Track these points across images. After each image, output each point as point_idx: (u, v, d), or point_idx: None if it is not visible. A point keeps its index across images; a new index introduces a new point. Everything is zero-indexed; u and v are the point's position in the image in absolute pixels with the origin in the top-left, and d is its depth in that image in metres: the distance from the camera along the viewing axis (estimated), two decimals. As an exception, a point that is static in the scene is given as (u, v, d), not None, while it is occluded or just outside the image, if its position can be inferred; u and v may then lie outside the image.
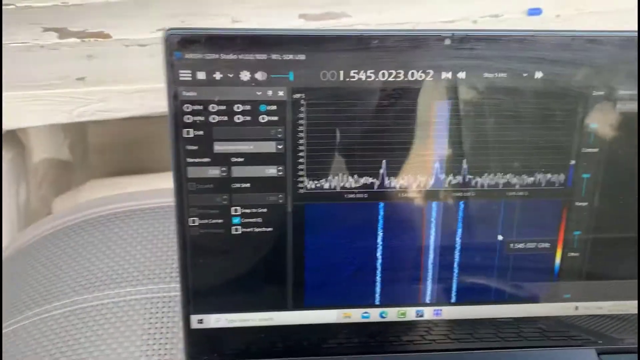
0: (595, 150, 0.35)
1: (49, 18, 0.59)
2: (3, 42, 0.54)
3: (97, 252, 0.46)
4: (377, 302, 0.37)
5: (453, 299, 0.38)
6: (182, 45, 0.31)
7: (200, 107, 0.32)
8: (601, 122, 0.35)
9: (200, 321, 0.36)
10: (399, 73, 0.33)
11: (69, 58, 0.54)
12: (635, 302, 0.39)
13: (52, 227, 0.52)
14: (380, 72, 0.33)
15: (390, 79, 0.33)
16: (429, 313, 0.38)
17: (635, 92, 0.34)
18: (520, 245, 0.37)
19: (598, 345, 0.39)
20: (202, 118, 0.32)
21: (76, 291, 0.43)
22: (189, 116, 0.32)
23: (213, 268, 0.35)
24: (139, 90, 0.50)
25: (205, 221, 0.34)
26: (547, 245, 0.37)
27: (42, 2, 0.63)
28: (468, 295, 0.38)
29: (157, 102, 0.50)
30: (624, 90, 0.34)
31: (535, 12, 0.58)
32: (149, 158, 1.08)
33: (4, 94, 0.53)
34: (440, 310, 0.38)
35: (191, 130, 0.33)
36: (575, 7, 0.61)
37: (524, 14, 0.59)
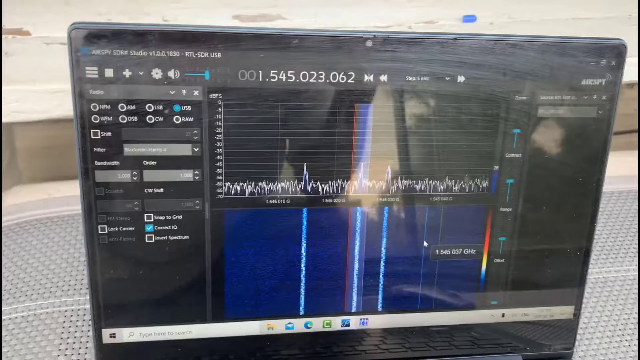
0: (519, 155, 0.35)
1: (-36, 12, 0.56)
2: None
3: (7, 262, 0.43)
4: (301, 312, 0.36)
5: (379, 308, 0.37)
6: (88, 40, 0.29)
7: (108, 107, 0.30)
8: (524, 127, 0.35)
9: (113, 335, 0.34)
10: (320, 74, 0.32)
11: (-17, 55, 0.50)
12: (562, 308, 0.39)
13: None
14: (301, 73, 0.32)
15: (311, 80, 0.32)
16: (355, 322, 0.37)
17: (557, 97, 0.34)
18: (446, 252, 0.36)
19: (525, 351, 0.39)
20: (110, 118, 0.30)
21: (-19, 305, 0.40)
22: (96, 116, 0.30)
23: (125, 279, 0.33)
24: (58, 90, 0.47)
25: (116, 229, 0.32)
26: (472, 251, 0.37)
27: (-42, -4, 0.59)
28: (394, 304, 0.37)
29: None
30: (545, 96, 0.34)
31: (469, 19, 0.58)
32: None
33: None
34: (367, 319, 0.37)
35: (99, 131, 0.31)
36: (508, 16, 0.62)
37: (459, 21, 0.59)
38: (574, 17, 0.63)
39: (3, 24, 0.54)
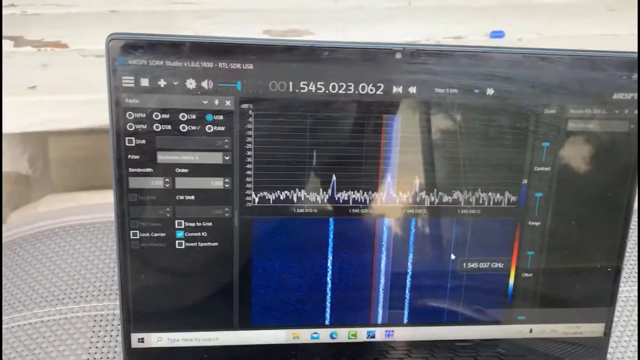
0: (548, 169, 0.35)
1: (6, 26, 0.58)
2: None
3: (41, 267, 0.44)
4: (327, 322, 0.36)
5: (405, 320, 0.37)
6: (125, 50, 0.30)
7: (143, 115, 0.31)
8: (553, 140, 0.34)
9: (141, 340, 0.35)
10: (350, 86, 0.32)
11: (23, 66, 0.52)
12: (592, 326, 0.38)
13: (3, 238, 0.50)
14: (331, 85, 0.32)
15: (340, 91, 0.32)
16: (380, 334, 0.37)
17: (587, 110, 0.34)
18: (474, 265, 0.36)
19: (553, 368, 0.38)
20: (145, 126, 0.31)
21: (15, 308, 0.41)
22: (131, 124, 0.31)
23: (155, 284, 0.34)
24: (93, 100, 0.49)
25: (147, 235, 0.33)
26: (500, 265, 0.36)
27: (0, 11, 0.61)
28: (421, 316, 0.37)
29: (111, 114, 0.49)
30: (575, 110, 0.34)
31: (497, 35, 0.58)
32: (110, 174, 1.06)
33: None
34: (392, 331, 0.37)
35: (133, 139, 0.31)
36: (536, 32, 0.61)
37: (487, 37, 0.59)
38: (602, 34, 0.62)
39: (42, 37, 0.56)
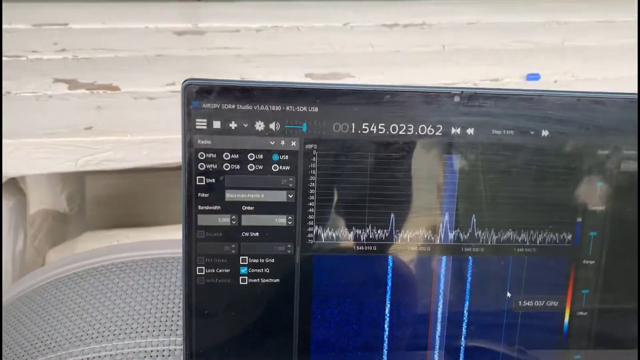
0: (602, 208, 0.36)
1: (59, 70, 0.61)
2: (14, 92, 0.55)
3: (96, 302, 0.45)
4: (384, 358, 0.36)
5: (461, 358, 0.37)
6: (199, 94, 0.32)
7: (214, 155, 0.33)
8: (606, 180, 0.35)
9: (202, 375, 0.35)
10: (409, 127, 0.34)
11: (78, 108, 0.55)
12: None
13: (48, 277, 0.51)
14: (391, 126, 0.33)
15: (400, 132, 0.34)
16: (436, 372, 0.37)
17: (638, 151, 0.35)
18: (529, 303, 0.36)
19: (609, 410, 0.38)
20: (215, 166, 0.33)
21: (72, 343, 0.42)
22: (202, 164, 0.33)
23: (217, 320, 0.34)
24: (146, 141, 0.51)
25: (212, 270, 0.34)
26: (555, 303, 0.37)
27: (53, 55, 0.64)
28: (476, 356, 0.37)
29: (163, 154, 0.51)
30: (627, 150, 0.35)
31: (534, 77, 0.60)
32: (146, 212, 1.08)
33: (9, 141, 0.53)
34: (448, 370, 0.37)
35: (204, 177, 0.33)
36: (571, 74, 0.63)
37: (523, 79, 0.61)
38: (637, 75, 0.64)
39: (94, 80, 0.59)
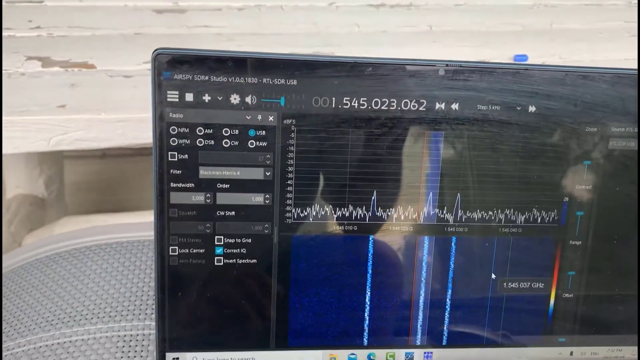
0: (589, 187, 0.35)
1: (33, 47, 0.59)
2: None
3: (68, 286, 0.43)
4: (364, 342, 0.35)
5: (444, 342, 0.36)
6: (170, 65, 0.30)
7: (187, 130, 0.31)
8: (594, 158, 0.34)
9: (176, 359, 0.34)
10: (392, 102, 0.32)
11: (51, 86, 0.52)
12: (633, 349, 0.37)
13: (22, 260, 0.49)
14: (373, 101, 0.32)
15: (382, 107, 0.32)
16: (419, 356, 0.36)
17: (629, 129, 0.34)
18: (514, 285, 0.35)
19: (593, 393, 0.37)
20: (188, 141, 0.31)
21: (42, 327, 0.40)
22: (174, 139, 0.31)
23: (191, 301, 0.33)
24: (121, 120, 0.49)
25: (186, 251, 0.32)
26: (541, 285, 0.36)
27: (27, 32, 0.62)
28: (460, 338, 0.36)
29: (138, 133, 0.49)
30: (617, 128, 0.34)
31: (521, 58, 0.59)
32: (127, 198, 1.06)
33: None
34: (431, 353, 0.36)
35: (176, 153, 0.31)
36: (559, 56, 0.62)
37: (511, 60, 0.60)
38: (626, 58, 0.63)
39: (69, 58, 0.57)
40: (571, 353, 0.37)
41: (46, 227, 0.82)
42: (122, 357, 0.38)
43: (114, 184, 1.04)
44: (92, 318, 0.41)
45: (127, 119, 0.50)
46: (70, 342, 0.39)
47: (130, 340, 0.39)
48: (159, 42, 0.61)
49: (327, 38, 0.62)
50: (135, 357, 0.38)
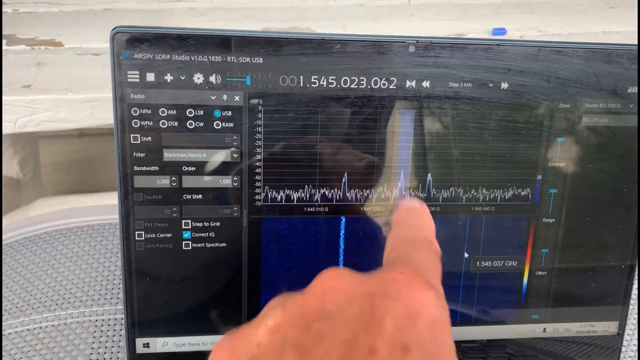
0: (562, 164, 0.34)
1: (-3, 25, 0.57)
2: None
3: (38, 271, 0.43)
4: (337, 323, 0.35)
5: (417, 320, 0.36)
6: (130, 44, 0.29)
7: (149, 112, 0.30)
8: (567, 135, 0.34)
9: (146, 345, 0.33)
10: (362, 80, 0.31)
11: (16, 65, 0.51)
12: (605, 324, 0.37)
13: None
14: (342, 79, 0.31)
15: (352, 86, 0.31)
16: (392, 335, 0.36)
17: (602, 105, 0.33)
18: (487, 264, 0.35)
19: (566, 369, 0.38)
20: (150, 123, 0.30)
21: (11, 314, 0.40)
22: (136, 120, 0.30)
23: (160, 286, 0.33)
24: (89, 99, 0.47)
25: (153, 235, 0.32)
26: (514, 263, 0.36)
27: (-9, 9, 0.60)
28: (433, 316, 0.36)
29: (108, 114, 0.47)
30: (590, 104, 0.33)
31: (499, 32, 0.58)
32: (105, 177, 1.04)
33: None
34: (404, 332, 0.36)
35: (139, 135, 0.30)
36: (538, 29, 0.61)
37: (489, 34, 0.59)
38: (605, 31, 0.62)
39: (35, 35, 0.55)
40: (544, 329, 0.37)
41: (22, 209, 0.80)
42: (93, 342, 0.38)
43: (93, 164, 1.02)
44: (62, 303, 0.40)
45: (96, 99, 0.48)
46: (40, 328, 0.38)
47: (102, 325, 0.39)
48: (129, 18, 0.60)
49: (302, 12, 0.60)
50: (107, 342, 0.38)
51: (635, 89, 0.34)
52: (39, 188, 0.91)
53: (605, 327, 0.37)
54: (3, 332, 0.38)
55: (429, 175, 0.33)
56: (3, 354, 0.37)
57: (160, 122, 0.30)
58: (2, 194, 0.79)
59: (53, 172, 1.00)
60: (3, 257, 0.45)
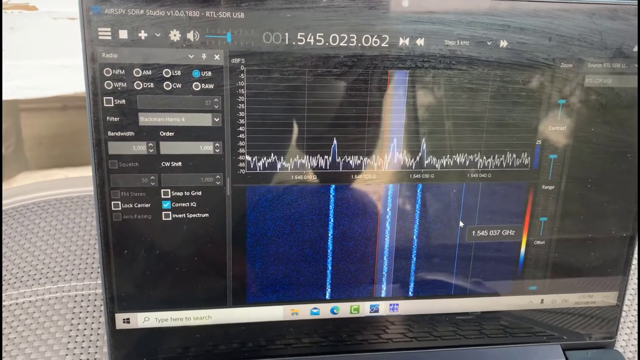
0: (563, 128, 0.32)
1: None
2: None
3: (15, 245, 0.41)
4: (327, 296, 0.33)
5: (410, 293, 0.34)
6: (100, -2, 0.27)
7: (123, 72, 0.28)
8: (569, 97, 0.32)
9: (127, 320, 0.32)
10: (352, 37, 0.29)
11: (-12, 30, 0.48)
12: (604, 295, 0.36)
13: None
14: (331, 36, 0.29)
15: (341, 44, 0.29)
16: (384, 308, 0.34)
17: (606, 64, 0.32)
18: (483, 233, 0.34)
19: (563, 341, 0.37)
20: (124, 84, 0.28)
21: (-14, 289, 0.38)
22: (109, 82, 0.28)
23: (139, 260, 0.31)
24: (67, 65, 0.45)
25: (130, 205, 0.30)
26: (511, 232, 0.34)
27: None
28: (427, 288, 0.34)
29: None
30: (593, 64, 0.32)
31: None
32: (87, 151, 1.02)
33: None
34: (397, 304, 0.34)
35: (112, 98, 0.28)
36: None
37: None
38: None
39: (9, -1, 0.52)
40: (542, 301, 0.36)
41: (3, 182, 0.78)
42: (72, 318, 0.36)
43: (77, 137, 0.99)
44: (40, 278, 0.38)
45: (74, 65, 0.46)
46: (16, 304, 0.37)
47: (82, 301, 0.37)
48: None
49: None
50: (87, 317, 0.36)
51: (641, 48, 0.32)
52: (22, 162, 0.89)
53: (604, 298, 0.36)
54: (-23, 309, 0.37)
55: (423, 140, 0.31)
56: (-23, 331, 0.35)
57: (135, 83, 0.28)
58: (-17, 168, 0.77)
59: (37, 147, 0.97)
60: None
